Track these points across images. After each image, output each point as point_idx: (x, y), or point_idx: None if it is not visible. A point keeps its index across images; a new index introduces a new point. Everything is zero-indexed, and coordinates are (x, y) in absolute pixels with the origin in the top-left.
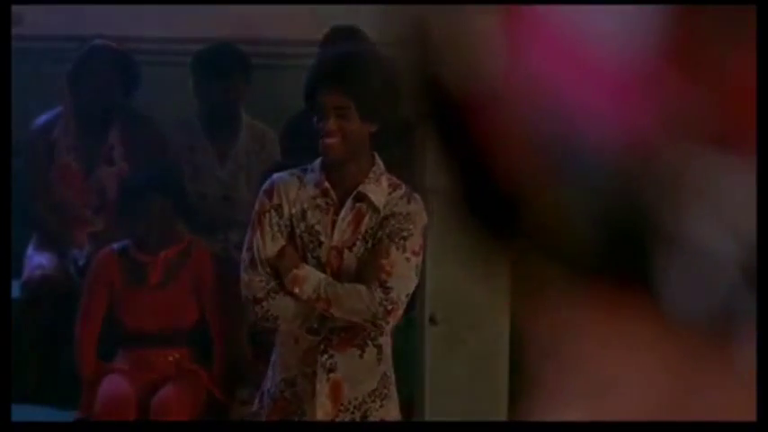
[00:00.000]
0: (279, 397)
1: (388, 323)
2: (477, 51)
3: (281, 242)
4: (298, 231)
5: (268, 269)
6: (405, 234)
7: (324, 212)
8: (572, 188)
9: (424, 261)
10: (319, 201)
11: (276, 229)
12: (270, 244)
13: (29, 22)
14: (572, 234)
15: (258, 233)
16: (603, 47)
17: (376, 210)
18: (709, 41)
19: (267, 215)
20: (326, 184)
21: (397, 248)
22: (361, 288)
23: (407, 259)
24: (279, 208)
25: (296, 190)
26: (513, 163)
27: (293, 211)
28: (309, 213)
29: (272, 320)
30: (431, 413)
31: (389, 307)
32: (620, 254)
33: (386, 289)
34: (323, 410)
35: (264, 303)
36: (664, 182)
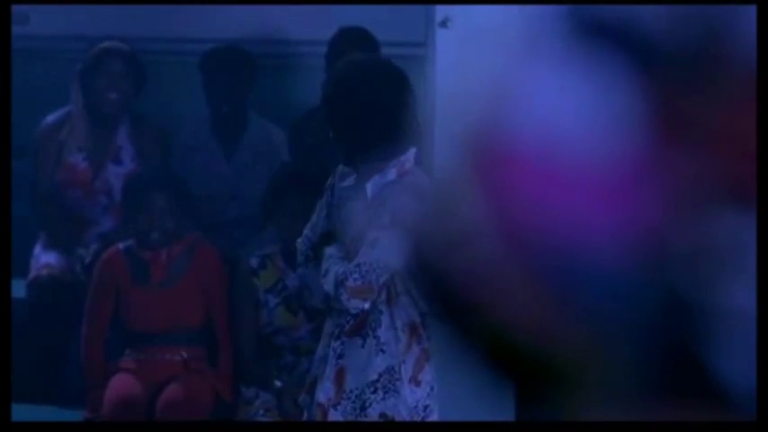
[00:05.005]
0: (316, 371)
1: (340, 294)
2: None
3: (326, 221)
4: (334, 217)
5: (313, 238)
6: (379, 222)
7: (354, 204)
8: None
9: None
10: (351, 192)
11: (325, 208)
12: (315, 218)
13: (34, 21)
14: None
15: (318, 204)
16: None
17: (369, 201)
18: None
19: (325, 193)
20: (355, 176)
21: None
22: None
23: (367, 236)
24: (330, 189)
25: (345, 176)
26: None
27: (336, 197)
28: (345, 205)
29: (306, 288)
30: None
31: (341, 277)
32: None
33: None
34: (325, 395)
35: (300, 270)
36: (687, 259)
